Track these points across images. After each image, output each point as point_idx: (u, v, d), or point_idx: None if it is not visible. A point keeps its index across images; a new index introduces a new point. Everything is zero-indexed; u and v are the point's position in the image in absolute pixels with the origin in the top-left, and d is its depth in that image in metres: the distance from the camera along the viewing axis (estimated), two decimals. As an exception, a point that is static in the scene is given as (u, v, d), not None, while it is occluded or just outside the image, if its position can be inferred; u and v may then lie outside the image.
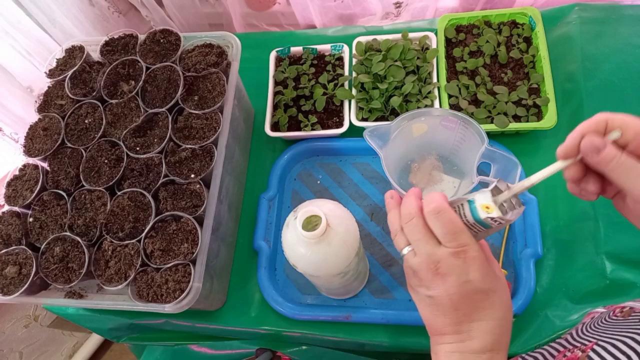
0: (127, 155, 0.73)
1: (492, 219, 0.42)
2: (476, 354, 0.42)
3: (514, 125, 0.77)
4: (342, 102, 0.85)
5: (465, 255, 0.42)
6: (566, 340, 0.53)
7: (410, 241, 0.46)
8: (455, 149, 0.72)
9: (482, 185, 0.65)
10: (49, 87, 0.84)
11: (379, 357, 0.77)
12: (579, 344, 0.49)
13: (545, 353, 0.54)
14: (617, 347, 0.42)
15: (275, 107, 0.88)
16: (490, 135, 0.75)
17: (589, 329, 0.51)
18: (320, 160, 0.88)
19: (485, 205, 0.42)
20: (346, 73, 0.87)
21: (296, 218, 0.53)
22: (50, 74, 0.84)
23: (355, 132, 0.82)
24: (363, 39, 0.88)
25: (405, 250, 0.46)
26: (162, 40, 0.82)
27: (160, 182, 0.71)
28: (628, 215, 0.44)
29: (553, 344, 0.55)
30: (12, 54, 0.95)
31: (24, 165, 0.78)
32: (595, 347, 0.44)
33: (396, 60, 0.83)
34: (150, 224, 0.68)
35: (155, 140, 0.74)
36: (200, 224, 0.68)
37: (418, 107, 0.80)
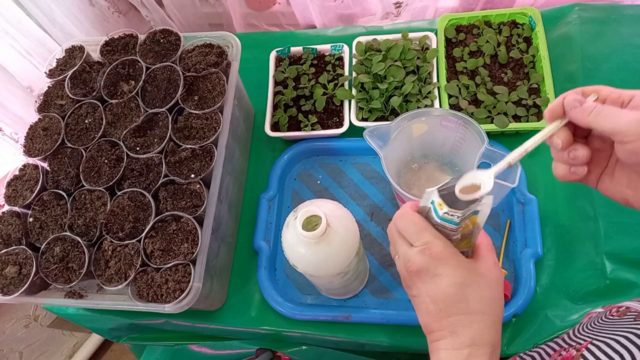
0: (127, 155, 0.73)
1: (447, 214, 0.43)
2: (457, 349, 0.42)
3: (514, 125, 0.77)
4: (342, 102, 0.85)
5: (430, 251, 0.43)
6: (562, 339, 0.53)
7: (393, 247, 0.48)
8: (455, 149, 0.72)
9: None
10: (49, 87, 0.84)
11: (379, 357, 0.77)
12: (574, 343, 0.49)
13: (542, 352, 0.54)
14: (610, 345, 0.42)
15: (275, 107, 0.88)
16: (490, 135, 0.75)
17: (585, 329, 0.51)
18: (320, 160, 0.88)
19: (438, 202, 0.43)
20: (346, 73, 0.87)
21: (296, 218, 0.53)
22: (50, 74, 0.84)
23: (355, 132, 0.82)
24: (363, 39, 0.88)
25: (396, 257, 0.48)
26: (162, 40, 0.82)
27: (160, 182, 0.71)
28: (618, 189, 0.44)
29: (550, 343, 0.55)
30: (12, 54, 0.95)
31: (24, 165, 0.78)
32: (590, 346, 0.45)
33: (396, 60, 0.83)
34: (150, 224, 0.68)
35: (155, 140, 0.74)
36: (200, 224, 0.68)
37: (418, 107, 0.80)
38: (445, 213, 0.43)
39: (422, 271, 0.44)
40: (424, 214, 0.46)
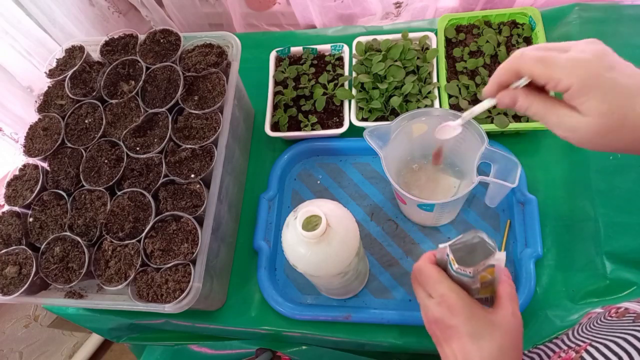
0: (127, 155, 0.73)
1: (460, 269, 0.44)
2: None
3: (514, 125, 0.77)
4: (342, 102, 0.85)
5: (446, 303, 0.46)
6: (562, 341, 0.53)
7: None
8: (455, 149, 0.72)
9: (483, 185, 0.65)
10: (49, 87, 0.84)
11: (379, 357, 0.77)
12: (573, 345, 0.49)
13: (542, 353, 0.54)
14: (609, 347, 0.42)
15: (275, 107, 0.88)
16: (490, 135, 0.75)
17: (584, 330, 0.51)
18: (320, 160, 0.88)
19: (451, 258, 0.44)
20: (346, 73, 0.87)
21: (296, 218, 0.53)
22: (50, 74, 0.84)
23: (355, 132, 0.82)
24: (363, 39, 0.88)
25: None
26: (162, 40, 0.82)
27: (160, 182, 0.71)
28: None
29: (549, 344, 0.55)
30: (12, 54, 0.95)
31: (24, 165, 0.78)
32: (589, 347, 0.45)
33: (396, 60, 0.83)
34: (150, 224, 0.68)
35: (155, 140, 0.74)
36: (200, 224, 0.68)
37: (418, 107, 0.80)
38: (458, 268, 0.44)
39: (439, 321, 0.47)
40: (443, 264, 0.47)
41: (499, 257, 0.43)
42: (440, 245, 0.46)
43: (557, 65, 0.41)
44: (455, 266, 0.44)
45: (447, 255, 0.45)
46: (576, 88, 0.41)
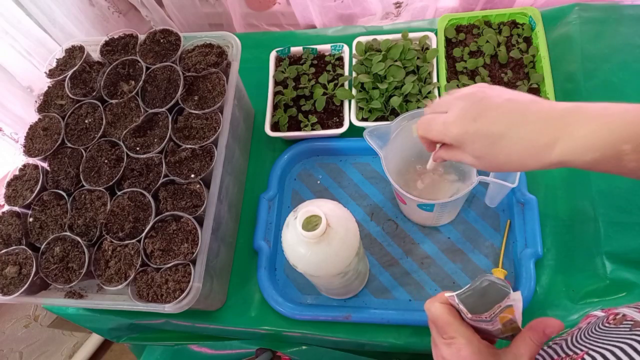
0: (127, 155, 0.73)
1: (473, 318, 0.44)
2: None
3: (514, 125, 0.77)
4: (342, 102, 0.85)
5: (455, 346, 0.46)
6: (560, 347, 0.53)
7: None
8: (455, 149, 0.72)
9: (483, 185, 0.65)
10: (49, 87, 0.84)
11: (379, 357, 0.77)
12: (571, 353, 0.49)
13: (540, 359, 0.54)
14: (605, 357, 0.42)
15: (275, 107, 0.88)
16: (490, 135, 0.75)
17: (582, 337, 0.51)
18: (320, 160, 0.88)
19: (463, 309, 0.44)
20: (346, 73, 0.87)
21: (296, 218, 0.53)
22: (50, 74, 0.84)
23: (355, 132, 0.82)
24: (363, 39, 0.88)
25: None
26: (162, 40, 0.82)
27: (160, 182, 0.71)
28: None
29: (548, 350, 0.55)
30: (12, 54, 0.95)
31: (24, 165, 0.78)
32: (585, 356, 0.44)
33: (396, 60, 0.83)
34: (150, 224, 0.68)
35: (155, 140, 0.74)
36: (200, 224, 0.68)
37: (418, 107, 0.80)
38: (471, 318, 0.44)
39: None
40: (456, 307, 0.46)
41: (515, 297, 0.42)
42: (447, 295, 0.46)
43: (435, 130, 0.51)
44: (469, 316, 0.44)
45: (458, 305, 0.45)
46: (454, 144, 0.50)
